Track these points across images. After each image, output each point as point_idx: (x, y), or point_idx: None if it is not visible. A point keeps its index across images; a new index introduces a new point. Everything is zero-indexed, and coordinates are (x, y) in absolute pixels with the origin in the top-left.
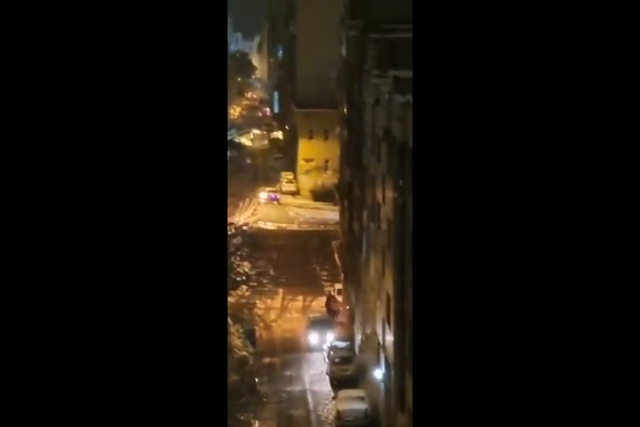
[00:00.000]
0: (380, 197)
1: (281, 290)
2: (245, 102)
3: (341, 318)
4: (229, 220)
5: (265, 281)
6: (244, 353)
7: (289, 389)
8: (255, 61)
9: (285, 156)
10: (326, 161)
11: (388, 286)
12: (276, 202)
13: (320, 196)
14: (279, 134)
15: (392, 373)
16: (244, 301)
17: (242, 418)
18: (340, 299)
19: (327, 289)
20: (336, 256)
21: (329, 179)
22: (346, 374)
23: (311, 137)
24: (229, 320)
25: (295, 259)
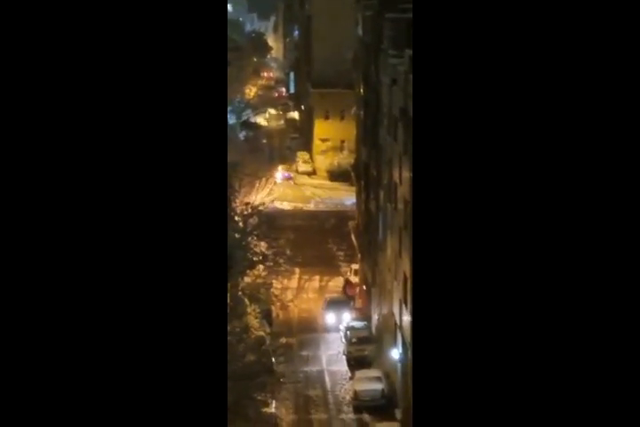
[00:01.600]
0: (396, 177)
1: (297, 270)
2: (261, 82)
3: (358, 299)
4: (246, 199)
5: (281, 261)
6: (261, 333)
7: (306, 369)
8: (271, 41)
9: (301, 136)
10: (342, 141)
11: (405, 266)
12: (289, 180)
13: (336, 176)
14: (295, 114)
15: (409, 353)
16: (260, 280)
17: (259, 398)
18: (356, 280)
19: (344, 270)
20: (353, 236)
21: (345, 159)
22: (363, 354)
23: (327, 117)
24: (246, 300)
25: (312, 239)
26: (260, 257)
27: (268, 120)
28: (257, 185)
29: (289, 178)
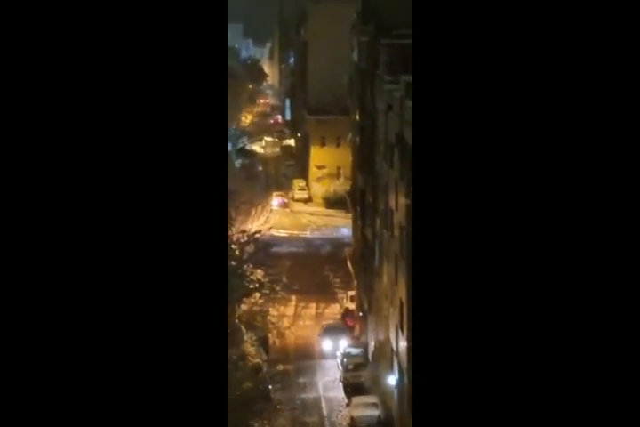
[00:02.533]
0: (392, 203)
1: (294, 297)
2: (257, 109)
3: (356, 328)
4: (242, 227)
5: (278, 288)
6: (258, 360)
7: (303, 396)
8: (266, 68)
9: (297, 163)
10: (338, 168)
11: (401, 292)
12: (284, 208)
13: (332, 203)
14: (291, 141)
15: (405, 379)
16: (257, 308)
17: (256, 425)
18: (353, 307)
19: (340, 297)
20: (349, 263)
21: (341, 186)
22: (359, 380)
23: (323, 144)
24: (242, 328)
25: (308, 266)
26: (257, 285)
27: (264, 147)
28: (253, 213)
29: (283, 204)
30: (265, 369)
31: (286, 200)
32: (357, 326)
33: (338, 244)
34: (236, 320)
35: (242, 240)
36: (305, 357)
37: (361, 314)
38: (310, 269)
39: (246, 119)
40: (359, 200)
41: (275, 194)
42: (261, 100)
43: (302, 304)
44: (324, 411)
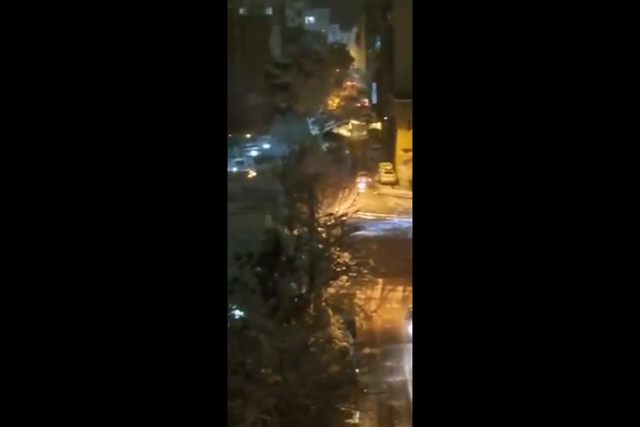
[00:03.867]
0: None
1: (381, 280)
2: (344, 93)
3: None
4: (329, 210)
5: (365, 271)
6: (345, 344)
7: (390, 379)
8: (353, 53)
9: (384, 146)
10: None
11: None
12: (368, 186)
13: None
14: (378, 125)
15: None
16: (344, 291)
17: (342, 409)
18: None
19: None
20: None
21: None
22: None
23: (410, 127)
24: (329, 311)
25: (395, 249)
26: (344, 268)
27: (350, 131)
28: (340, 196)
29: (368, 183)
30: (352, 353)
31: (371, 180)
32: None
33: None
34: (323, 303)
35: (329, 223)
36: (392, 340)
37: None
38: (397, 252)
39: (333, 103)
40: None
41: (360, 174)
42: (348, 83)
43: (389, 287)
44: (411, 395)
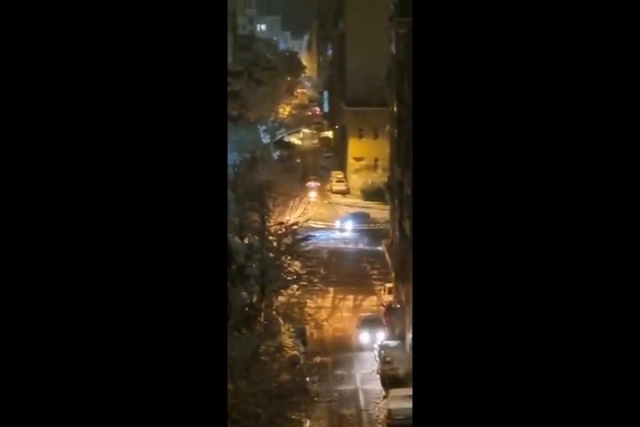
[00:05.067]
0: None
1: (332, 289)
2: (295, 101)
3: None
4: (280, 219)
5: (316, 280)
6: (295, 352)
7: (340, 388)
8: (305, 60)
9: (335, 155)
10: (376, 160)
11: None
12: (317, 190)
13: (370, 194)
14: (329, 133)
15: None
16: (294, 300)
17: (293, 417)
18: (390, 299)
19: (380, 291)
20: (386, 255)
21: (379, 178)
22: (397, 373)
23: (361, 136)
24: (280, 320)
25: (346, 258)
26: (294, 276)
27: (302, 139)
28: (291, 204)
29: (317, 188)
30: (302, 361)
31: (319, 184)
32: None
33: (375, 235)
34: (274, 312)
35: (279, 232)
36: (342, 349)
37: (398, 306)
38: (348, 261)
39: (284, 111)
40: (397, 192)
41: (309, 178)
42: (298, 90)
43: (340, 296)
44: (362, 403)
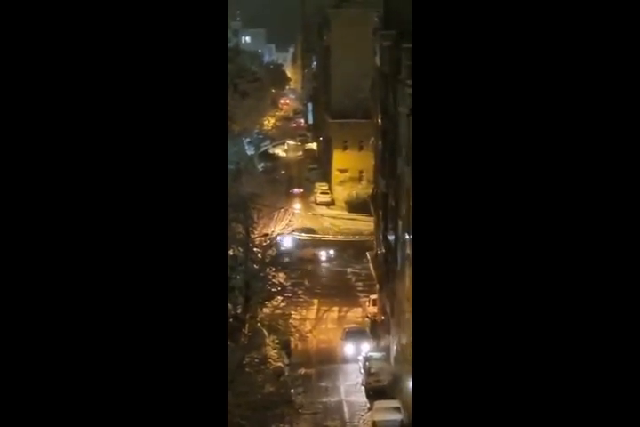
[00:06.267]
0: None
1: (316, 301)
2: (279, 113)
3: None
4: (265, 231)
5: (300, 292)
6: (280, 364)
7: (325, 400)
8: (289, 72)
9: (320, 166)
10: (361, 172)
11: None
12: (300, 197)
13: (355, 206)
14: (313, 145)
15: None
16: (279, 311)
17: None
18: (375, 311)
19: (365, 303)
20: (371, 267)
21: (363, 189)
22: (381, 384)
23: (345, 148)
24: (264, 331)
25: (330, 269)
26: (279, 288)
27: (286, 151)
28: (275, 216)
29: (300, 194)
30: (286, 373)
31: (302, 190)
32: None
33: (360, 247)
34: (258, 323)
35: (264, 243)
36: (327, 360)
37: (383, 318)
38: (332, 273)
39: (269, 123)
40: (381, 204)
41: (293, 188)
42: (281, 101)
43: (324, 308)
44: (346, 415)
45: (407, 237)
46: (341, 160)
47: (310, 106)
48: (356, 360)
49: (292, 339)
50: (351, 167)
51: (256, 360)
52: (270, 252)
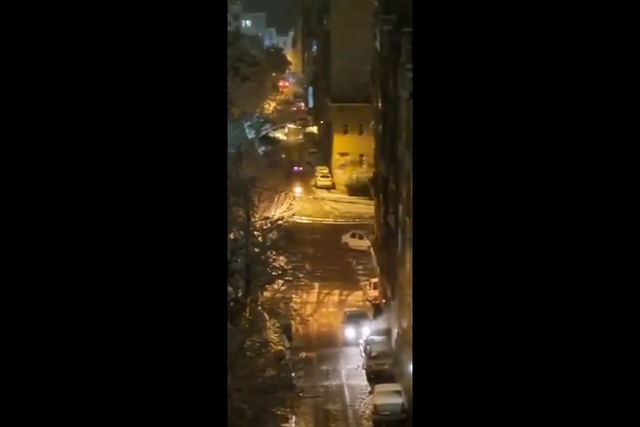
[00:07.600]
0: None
1: (317, 284)
2: (280, 97)
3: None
4: (265, 214)
5: (301, 275)
6: (281, 348)
7: (326, 383)
8: (290, 56)
9: (320, 150)
10: (361, 155)
11: None
12: (300, 175)
13: (355, 190)
14: (314, 129)
15: None
16: (280, 295)
17: (278, 413)
18: (376, 294)
19: (365, 286)
20: (371, 250)
21: (364, 173)
22: (382, 368)
23: (346, 131)
24: (265, 315)
25: (331, 253)
26: (279, 272)
27: (286, 135)
28: (276, 200)
29: (298, 171)
30: (287, 356)
31: (302, 168)
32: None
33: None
34: (259, 307)
35: (265, 227)
36: (328, 344)
37: (384, 301)
38: (333, 256)
39: (269, 107)
40: (382, 187)
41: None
42: (280, 83)
43: (325, 291)
44: (347, 399)
45: (408, 220)
46: (342, 144)
47: (311, 90)
48: (357, 344)
49: (292, 322)
50: (351, 151)
51: (257, 344)
52: (271, 235)
